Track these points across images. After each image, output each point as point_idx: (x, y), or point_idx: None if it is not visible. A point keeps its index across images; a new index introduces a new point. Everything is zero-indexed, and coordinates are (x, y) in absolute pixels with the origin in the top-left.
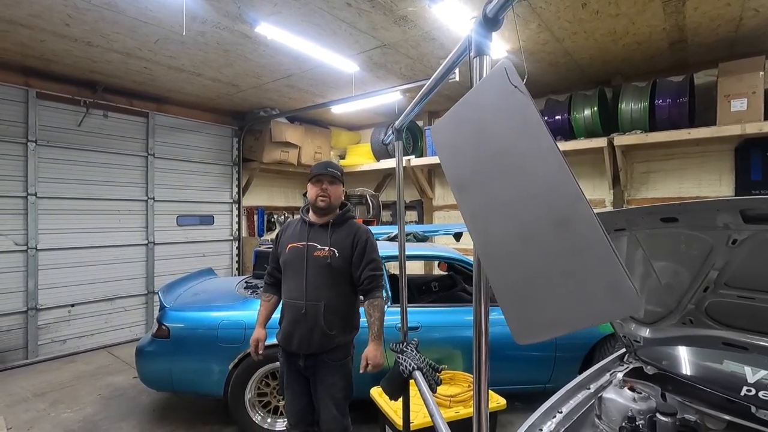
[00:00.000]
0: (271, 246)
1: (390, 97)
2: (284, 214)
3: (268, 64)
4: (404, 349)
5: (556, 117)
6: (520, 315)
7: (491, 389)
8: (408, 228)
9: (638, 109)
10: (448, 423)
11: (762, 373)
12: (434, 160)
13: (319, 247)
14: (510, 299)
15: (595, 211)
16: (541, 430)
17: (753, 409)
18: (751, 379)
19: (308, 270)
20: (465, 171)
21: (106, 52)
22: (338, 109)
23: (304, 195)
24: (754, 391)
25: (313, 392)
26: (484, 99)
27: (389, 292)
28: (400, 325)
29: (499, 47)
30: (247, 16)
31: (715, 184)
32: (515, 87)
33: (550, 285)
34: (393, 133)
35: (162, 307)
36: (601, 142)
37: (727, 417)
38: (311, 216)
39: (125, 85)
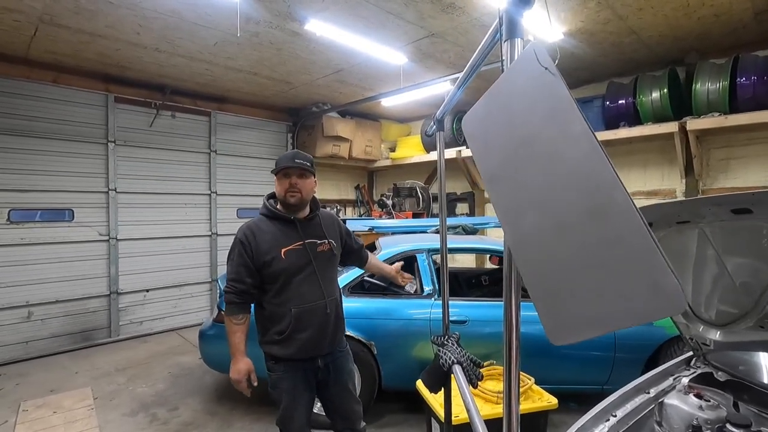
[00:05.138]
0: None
1: (440, 88)
2: (336, 207)
3: (318, 60)
4: (445, 342)
5: (620, 101)
6: (555, 313)
7: (543, 387)
8: (457, 220)
9: (716, 89)
10: (494, 419)
11: None
12: None
13: (319, 242)
14: (543, 296)
15: (661, 201)
16: None
17: None
18: None
19: (317, 268)
20: (495, 162)
21: (171, 56)
22: (388, 102)
23: (356, 188)
24: None
25: (329, 390)
26: (513, 85)
27: None
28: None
29: (556, 29)
30: (297, 14)
31: None
32: (545, 68)
33: (585, 280)
34: (434, 123)
35: (221, 294)
36: (671, 126)
37: None
38: (290, 212)
39: (190, 87)
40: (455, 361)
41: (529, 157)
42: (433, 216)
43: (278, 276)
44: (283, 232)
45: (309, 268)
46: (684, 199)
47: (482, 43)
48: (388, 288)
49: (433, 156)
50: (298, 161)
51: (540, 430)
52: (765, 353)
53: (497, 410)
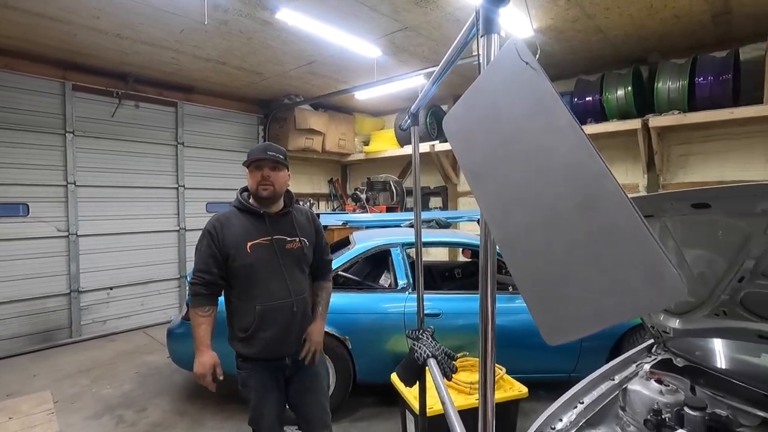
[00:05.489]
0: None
1: (414, 82)
2: (309, 201)
3: (290, 51)
4: (420, 336)
5: (587, 98)
6: (549, 312)
7: (513, 377)
8: (431, 214)
9: (676, 88)
10: (468, 410)
11: None
12: None
13: (289, 239)
14: (536, 295)
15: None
16: (561, 420)
17: None
18: None
19: (284, 266)
20: (478, 160)
21: (134, 43)
22: (362, 95)
23: (330, 182)
24: None
25: (293, 388)
26: (493, 81)
27: None
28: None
29: (527, 26)
30: (267, 2)
31: (761, 168)
32: (526, 63)
33: (579, 276)
34: (409, 117)
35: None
36: (635, 123)
37: (761, 413)
38: (262, 205)
39: (155, 76)
40: (430, 354)
41: (512, 154)
42: (407, 210)
43: (242, 270)
44: (253, 226)
45: (275, 265)
46: (648, 194)
47: (458, 38)
48: (362, 282)
49: (406, 150)
50: (270, 153)
51: (511, 418)
52: (719, 339)
53: (470, 401)
